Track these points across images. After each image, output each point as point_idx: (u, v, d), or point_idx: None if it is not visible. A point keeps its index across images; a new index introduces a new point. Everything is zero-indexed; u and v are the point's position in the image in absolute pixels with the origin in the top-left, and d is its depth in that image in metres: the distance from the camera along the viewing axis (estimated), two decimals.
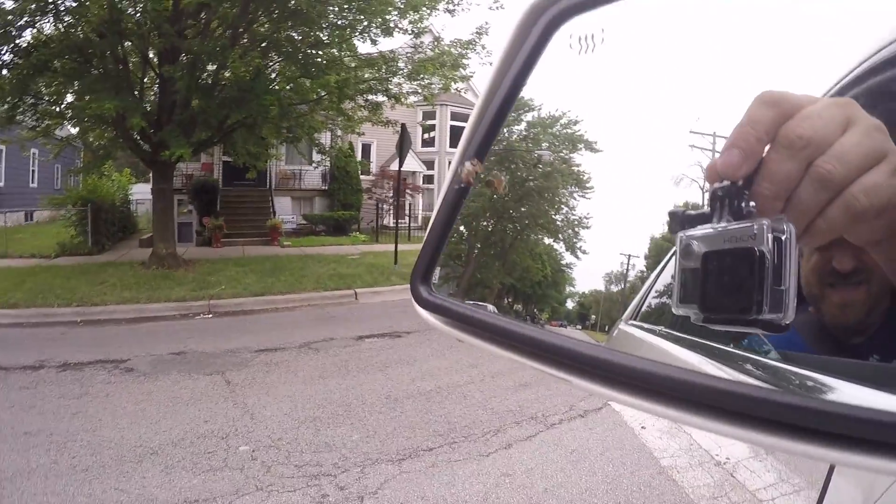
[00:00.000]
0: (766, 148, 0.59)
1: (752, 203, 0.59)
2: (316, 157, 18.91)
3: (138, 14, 12.38)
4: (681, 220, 0.68)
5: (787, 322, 0.54)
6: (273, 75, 14.28)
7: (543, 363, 0.69)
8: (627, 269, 0.93)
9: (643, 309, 1.15)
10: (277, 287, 12.50)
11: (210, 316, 10.74)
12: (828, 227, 0.58)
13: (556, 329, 1.04)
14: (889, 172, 0.56)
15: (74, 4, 11.95)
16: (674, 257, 0.66)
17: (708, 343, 0.86)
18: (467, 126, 0.87)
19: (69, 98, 13.60)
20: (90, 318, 10.16)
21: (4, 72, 12.24)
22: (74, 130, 16.45)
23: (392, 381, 6.96)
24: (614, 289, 1.08)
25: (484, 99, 0.85)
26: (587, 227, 0.97)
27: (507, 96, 0.84)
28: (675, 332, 1.01)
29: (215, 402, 6.24)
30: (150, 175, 14.98)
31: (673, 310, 0.66)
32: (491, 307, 1.08)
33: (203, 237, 19.23)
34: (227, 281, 12.75)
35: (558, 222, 1.10)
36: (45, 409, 6.02)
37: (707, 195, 0.66)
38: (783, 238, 0.55)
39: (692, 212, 0.68)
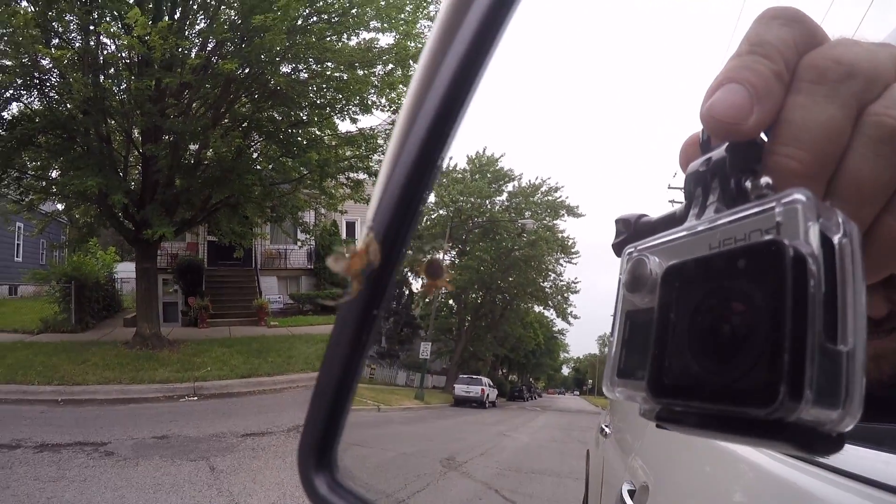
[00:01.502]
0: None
1: (764, 179, 0.34)
2: (301, 236, 19.01)
3: (121, 94, 12.63)
4: (634, 228, 0.46)
5: (848, 428, 0.29)
6: (255, 155, 14.54)
7: None
8: None
9: None
10: (264, 368, 12.30)
11: (195, 398, 10.49)
12: None
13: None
14: None
15: (59, 81, 12.23)
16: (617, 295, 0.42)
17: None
18: (381, 173, 0.54)
19: (54, 174, 13.81)
20: (71, 398, 9.90)
21: None
22: (60, 206, 16.50)
23: None
24: (608, 351, 0.96)
25: (404, 119, 0.51)
26: (576, 292, 0.83)
27: (447, 96, 0.48)
28: None
29: (199, 490, 5.98)
30: (135, 254, 14.94)
31: (604, 390, 0.42)
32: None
33: (189, 317, 18.96)
34: (213, 362, 12.52)
35: (547, 289, 0.97)
36: (18, 491, 5.77)
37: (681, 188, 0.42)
38: (837, 241, 0.30)
39: (653, 216, 0.46)
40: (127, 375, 11.06)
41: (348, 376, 0.52)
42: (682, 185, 0.42)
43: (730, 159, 0.37)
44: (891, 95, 0.35)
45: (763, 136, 0.37)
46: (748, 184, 0.35)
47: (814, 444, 0.29)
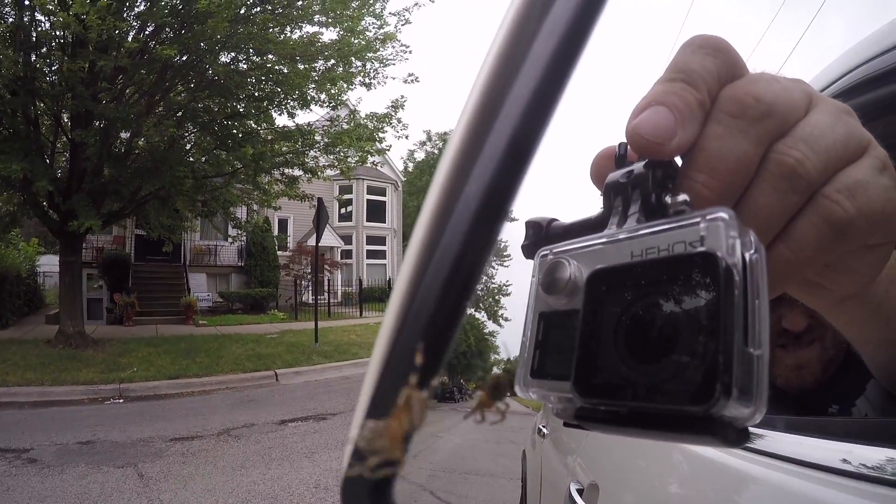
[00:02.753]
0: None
1: (682, 197, 0.37)
2: (232, 231, 18.68)
3: (53, 75, 12.07)
4: (546, 231, 0.47)
5: (757, 421, 0.32)
6: (188, 146, 14.15)
7: None
8: None
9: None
10: (193, 369, 11.99)
11: (121, 401, 10.12)
12: (795, 255, 0.39)
13: None
14: (875, 168, 0.39)
15: None
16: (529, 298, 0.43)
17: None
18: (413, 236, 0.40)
19: None
20: None
21: None
22: None
23: (320, 468, 6.65)
24: None
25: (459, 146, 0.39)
26: (507, 295, 0.89)
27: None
28: None
29: (127, 499, 5.78)
30: (59, 246, 14.37)
31: (517, 390, 0.43)
32: None
33: (114, 315, 18.35)
34: (140, 362, 12.12)
35: (478, 292, 1.02)
36: None
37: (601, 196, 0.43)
38: (749, 258, 0.33)
39: (564, 221, 0.47)
40: (49, 376, 10.58)
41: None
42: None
43: (651, 174, 0.39)
44: (795, 134, 0.39)
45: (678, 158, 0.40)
46: (668, 199, 0.38)
47: (730, 437, 0.31)
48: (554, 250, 0.42)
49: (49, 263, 22.75)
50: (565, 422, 0.39)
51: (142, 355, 12.78)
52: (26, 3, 11.30)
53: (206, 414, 9.31)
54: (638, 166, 0.40)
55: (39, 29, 11.85)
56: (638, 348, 0.34)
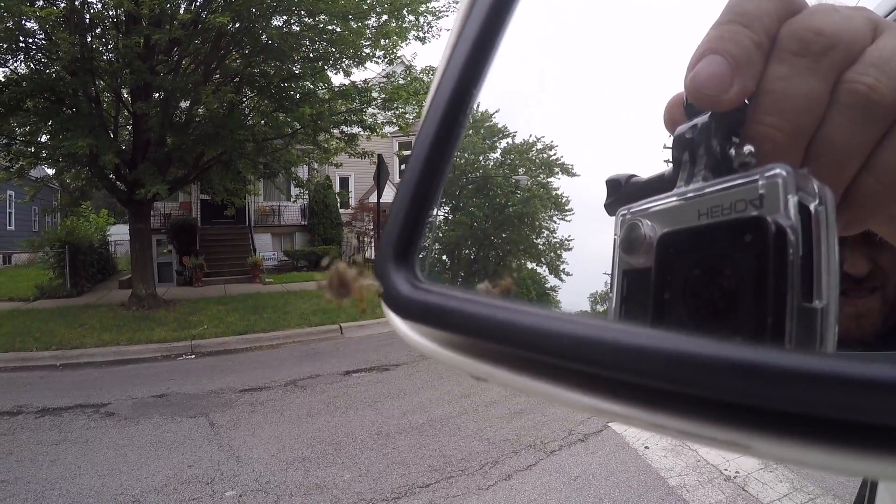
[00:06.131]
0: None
1: (747, 147, 0.37)
2: (294, 191, 18.84)
3: (109, 53, 12.38)
4: (624, 189, 0.48)
5: None
6: (247, 110, 14.33)
7: None
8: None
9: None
10: (260, 325, 12.34)
11: (192, 356, 10.55)
12: (885, 187, 0.37)
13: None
14: None
15: (46, 42, 11.90)
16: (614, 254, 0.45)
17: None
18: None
19: (43, 138, 13.48)
20: (69, 362, 9.94)
21: None
22: (51, 171, 16.31)
23: (382, 416, 6.82)
24: (600, 309, 0.99)
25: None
26: (569, 249, 0.85)
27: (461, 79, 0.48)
28: None
29: (199, 446, 6.08)
30: (128, 216, 14.84)
31: None
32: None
33: (183, 277, 18.97)
34: (209, 320, 12.58)
35: (540, 246, 0.98)
36: (22, 456, 5.85)
37: (670, 148, 0.44)
38: (814, 209, 0.33)
39: (642, 177, 0.48)
40: (124, 337, 11.11)
41: (436, 170, 0.48)
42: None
43: (714, 126, 0.39)
44: (863, 60, 0.36)
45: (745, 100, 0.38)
46: (732, 151, 0.37)
47: None
48: (631, 210, 0.43)
49: (119, 233, 23.65)
50: None
51: (211, 313, 13.25)
52: None
53: (274, 366, 9.62)
54: (703, 118, 0.40)
55: (92, 10, 12.11)
56: (701, 306, 0.35)
